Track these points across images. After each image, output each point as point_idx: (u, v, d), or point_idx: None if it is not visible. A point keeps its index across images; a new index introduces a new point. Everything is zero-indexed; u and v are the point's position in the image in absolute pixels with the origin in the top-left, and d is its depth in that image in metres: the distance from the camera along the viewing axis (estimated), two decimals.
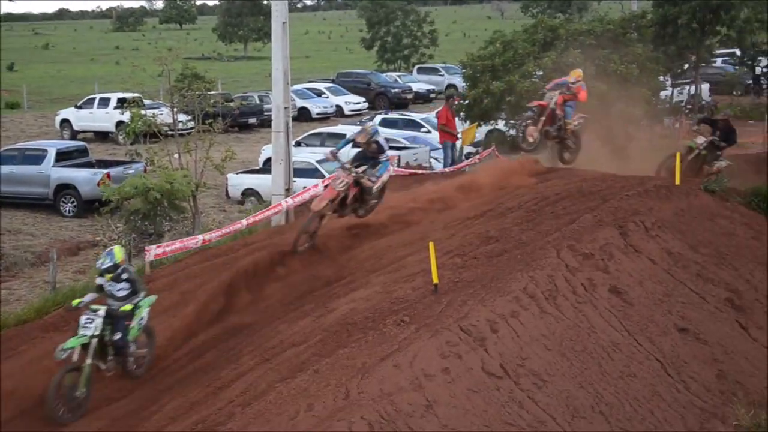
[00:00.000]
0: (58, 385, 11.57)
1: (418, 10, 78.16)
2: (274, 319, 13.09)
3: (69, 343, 11.90)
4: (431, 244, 11.97)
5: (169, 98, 25.84)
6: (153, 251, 16.72)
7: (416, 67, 66.69)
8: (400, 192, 17.88)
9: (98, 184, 26.24)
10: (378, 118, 38.57)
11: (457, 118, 27.88)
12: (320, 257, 15.40)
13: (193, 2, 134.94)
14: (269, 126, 21.70)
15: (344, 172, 15.31)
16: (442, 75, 61.37)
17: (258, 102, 46.03)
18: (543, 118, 18.30)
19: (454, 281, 11.88)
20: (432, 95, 57.33)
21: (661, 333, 10.97)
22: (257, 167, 30.74)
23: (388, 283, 12.71)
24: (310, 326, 11.99)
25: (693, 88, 43.82)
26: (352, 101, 52.07)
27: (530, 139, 18.49)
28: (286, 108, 19.61)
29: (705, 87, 46.35)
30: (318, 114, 49.10)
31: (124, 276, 12.54)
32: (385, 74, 61.87)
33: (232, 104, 33.61)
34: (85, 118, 42.59)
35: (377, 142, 15.58)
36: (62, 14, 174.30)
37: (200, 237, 17.82)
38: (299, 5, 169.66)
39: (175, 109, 24.65)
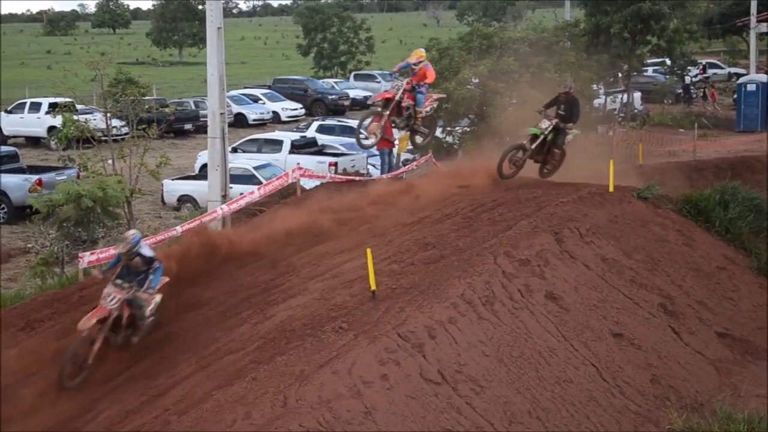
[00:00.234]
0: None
1: (354, 17, 78.22)
2: (211, 326, 12.98)
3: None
4: (368, 251, 11.97)
5: (103, 103, 25.51)
6: (86, 258, 16.48)
7: (353, 73, 66.76)
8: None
9: (30, 191, 25.79)
10: (315, 124, 38.52)
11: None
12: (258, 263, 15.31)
13: (126, 6, 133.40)
14: (205, 132, 21.56)
15: (116, 288, 12.93)
16: (379, 82, 61.47)
17: (193, 108, 45.67)
18: (387, 112, 17.48)
19: (392, 288, 11.89)
20: (369, 102, 57.37)
21: (596, 338, 11.10)
22: (193, 173, 30.48)
23: (326, 289, 12.67)
24: (248, 333, 11.91)
25: (625, 96, 44.57)
26: (288, 107, 51.95)
27: (371, 139, 17.98)
28: (221, 114, 19.49)
29: (637, 95, 47.17)
30: (254, 120, 48.87)
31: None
32: (321, 81, 61.83)
33: (167, 110, 33.29)
34: (16, 123, 41.84)
35: (140, 254, 13.11)
36: None
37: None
38: (234, 11, 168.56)
39: (108, 115, 24.34)
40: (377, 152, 27.10)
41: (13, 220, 26.73)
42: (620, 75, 44.75)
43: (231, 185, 20.36)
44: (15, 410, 11.78)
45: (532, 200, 14.75)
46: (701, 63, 60.07)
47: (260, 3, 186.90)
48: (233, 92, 48.60)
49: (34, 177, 27.00)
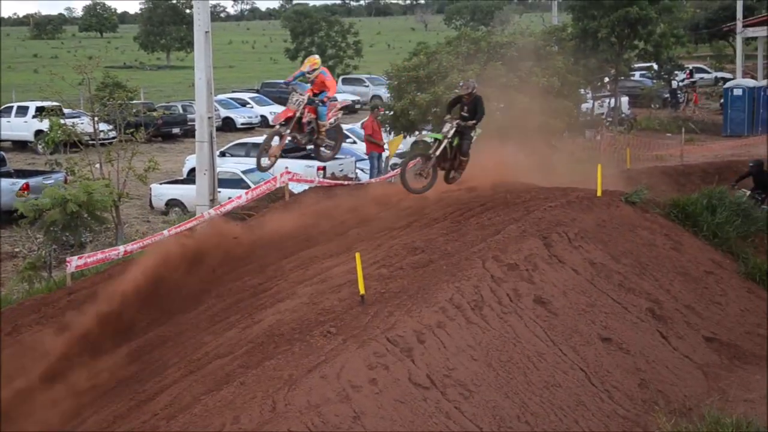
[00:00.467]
0: None
1: (342, 21, 78.32)
2: (199, 330, 12.95)
3: None
4: (357, 255, 11.97)
5: (90, 107, 25.44)
6: (74, 262, 16.44)
7: (341, 77, 66.75)
8: None
9: (16, 195, 25.68)
10: None
11: (383, 130, 27.96)
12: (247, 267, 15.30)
13: (113, 10, 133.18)
14: (193, 136, 21.53)
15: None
16: (367, 86, 61.55)
17: (181, 112, 45.57)
18: (288, 131, 16.39)
19: (381, 292, 11.89)
20: (357, 106, 57.42)
21: (584, 343, 11.11)
22: (181, 178, 30.41)
23: (314, 294, 12.67)
24: (236, 338, 11.89)
25: (613, 101, 44.70)
26: (277, 111, 51.81)
27: (268, 161, 16.52)
28: (209, 118, 19.49)
29: (624, 100, 47.32)
30: (242, 124, 48.81)
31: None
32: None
33: (154, 114, 33.22)
34: (3, 127, 41.64)
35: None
36: None
37: (122, 248, 17.57)
38: (222, 15, 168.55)
39: (96, 119, 24.27)
40: (366, 156, 27.17)
41: (1, 224, 26.61)
42: (607, 79, 44.88)
43: (219, 189, 20.36)
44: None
45: (520, 204, 14.77)
46: (688, 68, 60.31)
47: (248, 7, 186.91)
48: (221, 96, 48.55)
49: (21, 181, 26.88)
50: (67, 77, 24.07)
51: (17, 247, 21.83)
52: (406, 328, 10.39)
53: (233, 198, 19.97)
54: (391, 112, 29.21)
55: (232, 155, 31.53)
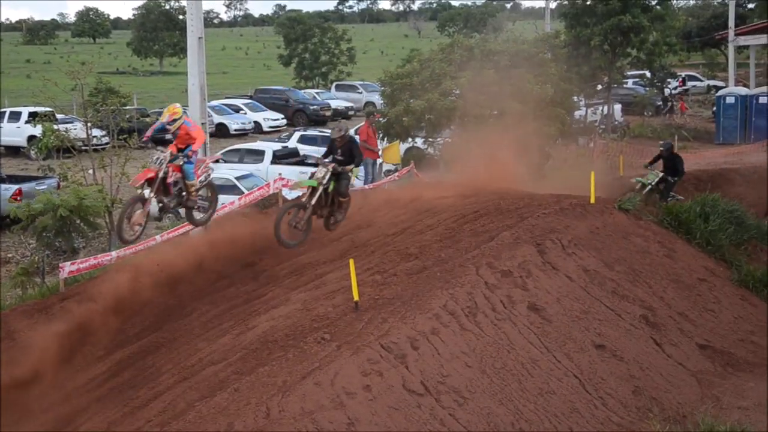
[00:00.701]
0: None
1: (336, 28, 78.37)
2: (193, 336, 12.93)
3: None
4: (351, 261, 11.96)
5: (83, 113, 25.40)
6: (67, 268, 16.40)
7: (334, 84, 66.81)
8: None
9: (9, 200, 25.60)
10: (297, 135, 38.49)
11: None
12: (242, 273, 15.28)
13: (106, 16, 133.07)
14: None
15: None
16: (361, 92, 61.57)
17: None
18: (152, 194, 14.32)
19: (375, 298, 11.88)
20: (350, 112, 57.46)
21: (578, 350, 11.11)
22: None
23: (308, 300, 12.66)
24: (230, 344, 11.87)
25: (606, 108, 44.82)
26: (270, 118, 51.87)
27: (130, 232, 14.34)
28: (203, 124, 19.43)
29: (617, 107, 47.43)
30: (236, 130, 48.76)
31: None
32: (303, 91, 61.82)
33: (148, 119, 33.18)
34: None
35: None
36: None
37: (114, 254, 17.53)
38: (216, 21, 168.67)
39: (88, 124, 24.23)
40: None
41: None
42: (600, 87, 45.00)
43: None
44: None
45: (513, 211, 14.78)
46: (681, 75, 60.51)
47: (241, 13, 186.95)
48: (214, 102, 48.51)
49: (14, 187, 26.80)
50: (60, 83, 24.03)
51: (10, 252, 21.76)
52: (400, 334, 10.38)
53: (226, 204, 19.94)
54: (385, 119, 29.25)
55: (225, 161, 31.50)
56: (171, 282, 15.50)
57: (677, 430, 10.06)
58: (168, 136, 14.93)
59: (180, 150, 14.65)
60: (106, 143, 24.19)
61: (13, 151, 41.34)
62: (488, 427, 9.63)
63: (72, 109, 41.05)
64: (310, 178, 15.35)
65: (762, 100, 43.61)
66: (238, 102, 53.31)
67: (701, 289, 13.38)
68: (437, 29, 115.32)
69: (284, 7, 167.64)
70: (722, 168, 29.95)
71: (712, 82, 65.89)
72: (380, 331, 10.48)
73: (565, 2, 45.36)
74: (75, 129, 25.35)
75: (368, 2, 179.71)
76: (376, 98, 47.75)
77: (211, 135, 24.54)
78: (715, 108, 47.49)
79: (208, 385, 10.62)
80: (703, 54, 77.14)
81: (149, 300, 15.21)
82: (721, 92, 47.63)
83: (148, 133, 14.99)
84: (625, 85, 53.28)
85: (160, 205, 14.57)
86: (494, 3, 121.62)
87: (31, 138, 36.66)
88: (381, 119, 29.27)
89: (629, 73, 53.14)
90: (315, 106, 55.73)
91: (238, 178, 26.63)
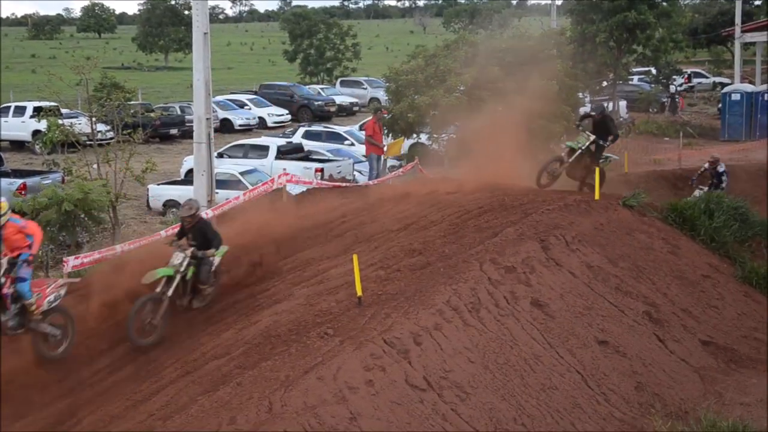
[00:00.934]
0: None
1: (341, 24, 78.30)
2: (196, 331, 12.94)
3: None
4: (355, 257, 11.97)
5: (88, 108, 25.42)
6: (71, 262, 16.40)
7: (339, 80, 66.72)
8: None
9: (14, 194, 25.63)
10: (301, 130, 38.49)
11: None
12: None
13: (112, 11, 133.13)
14: (191, 137, 21.48)
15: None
16: (365, 88, 61.50)
17: (179, 113, 45.50)
18: None
19: (378, 294, 11.89)
20: (355, 108, 57.42)
21: (581, 346, 11.12)
22: (179, 178, 30.39)
23: (311, 295, 12.67)
24: (233, 338, 11.89)
25: (611, 105, 44.75)
26: (275, 113, 51.83)
27: None
28: (207, 119, 19.44)
29: (622, 104, 47.37)
30: (240, 125, 48.75)
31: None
32: (308, 87, 61.78)
33: (152, 114, 33.17)
34: (1, 127, 41.57)
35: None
36: None
37: (118, 248, 17.53)
38: (221, 16, 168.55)
39: (93, 119, 24.24)
40: (365, 158, 27.19)
41: None
42: (606, 83, 44.93)
43: (217, 190, 20.31)
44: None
45: (518, 207, 14.79)
46: (686, 72, 60.38)
47: (247, 8, 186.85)
48: (219, 97, 48.50)
49: (19, 181, 26.82)
50: (65, 78, 24.03)
51: None
52: (403, 329, 10.39)
53: (231, 199, 19.95)
54: (389, 115, 29.23)
55: (230, 156, 31.52)
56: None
57: (680, 426, 10.06)
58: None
59: (14, 258, 12.01)
60: (111, 138, 24.17)
61: (18, 145, 41.39)
62: (490, 423, 9.65)
63: (77, 104, 41.10)
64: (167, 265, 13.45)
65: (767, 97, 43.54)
66: (243, 97, 53.29)
67: (705, 286, 13.38)
68: (443, 25, 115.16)
69: (289, 2, 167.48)
70: (727, 165, 29.87)
71: (717, 79, 65.74)
72: (383, 327, 10.50)
73: None
74: (80, 124, 25.36)
75: None
76: (381, 94, 47.73)
77: (216, 130, 24.53)
78: (720, 105, 47.41)
79: (211, 379, 10.63)
80: (709, 51, 77.00)
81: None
82: (726, 89, 47.54)
83: None
84: (630, 82, 53.22)
85: None
86: None
87: (36, 132, 36.65)
88: (387, 115, 29.26)
89: (635, 69, 53.07)
90: (320, 102, 55.70)
91: (242, 174, 26.62)
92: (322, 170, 28.61)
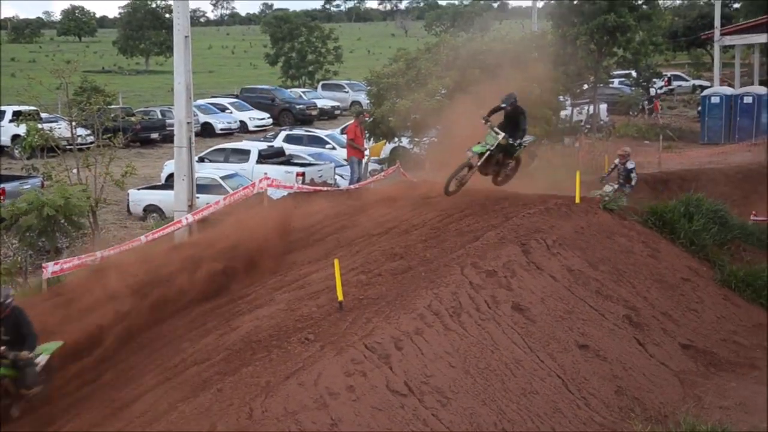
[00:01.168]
0: None
1: (323, 27, 78.31)
2: (176, 336, 12.89)
3: None
4: (336, 261, 11.95)
5: (68, 112, 25.31)
6: (50, 268, 16.32)
7: (321, 83, 66.74)
8: None
9: None
10: (283, 134, 38.45)
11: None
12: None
13: (92, 14, 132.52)
14: (172, 141, 21.44)
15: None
16: (347, 92, 61.54)
17: (160, 117, 45.40)
18: None
19: (359, 298, 11.87)
20: (337, 112, 57.41)
21: (562, 350, 11.13)
22: (159, 183, 30.31)
23: (292, 300, 12.64)
24: (213, 344, 11.84)
25: (591, 108, 44.91)
26: (256, 117, 51.79)
27: None
28: (188, 123, 19.40)
29: (603, 107, 47.52)
30: (222, 129, 48.69)
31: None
32: (289, 90, 61.75)
33: (133, 119, 33.07)
34: None
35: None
36: None
37: (99, 254, 17.45)
38: (202, 19, 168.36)
39: (73, 123, 24.13)
40: (347, 162, 27.17)
41: None
42: (586, 86, 45.07)
43: (198, 195, 20.26)
44: None
45: (499, 211, 14.80)
46: (666, 75, 60.66)
47: (228, 12, 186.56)
48: (200, 101, 48.41)
49: None
50: (45, 81, 23.92)
51: None
52: (384, 334, 10.37)
53: (211, 203, 19.90)
54: (371, 119, 29.23)
55: (211, 161, 31.46)
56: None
57: (659, 430, 10.08)
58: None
59: None
60: (91, 142, 24.08)
61: None
62: (471, 427, 9.64)
63: (57, 108, 40.89)
64: None
65: (747, 100, 43.79)
66: (224, 101, 53.21)
67: (684, 289, 13.42)
68: (424, 28, 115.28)
69: (271, 6, 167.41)
70: (707, 167, 30.08)
71: (697, 82, 66.15)
72: (364, 332, 10.47)
73: (552, 1, 45.47)
74: (60, 128, 25.25)
75: (355, 1, 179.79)
76: (363, 98, 47.73)
77: (197, 134, 24.44)
78: (700, 108, 47.65)
79: (191, 385, 10.58)
80: (689, 54, 77.47)
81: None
82: (706, 92, 47.80)
83: None
84: (611, 85, 53.43)
85: None
86: (481, 2, 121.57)
87: (16, 137, 36.49)
88: (369, 119, 29.25)
89: (615, 72, 53.28)
90: (301, 106, 55.69)
91: (223, 178, 26.59)
92: (303, 174, 28.62)
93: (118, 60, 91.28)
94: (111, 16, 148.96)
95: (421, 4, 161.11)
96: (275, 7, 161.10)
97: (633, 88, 55.77)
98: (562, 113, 39.15)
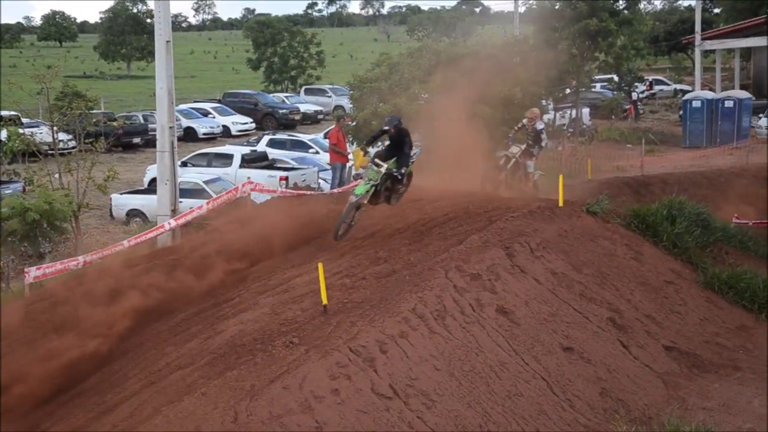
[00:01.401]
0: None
1: (305, 32, 78.35)
2: (160, 341, 12.84)
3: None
4: (320, 265, 11.94)
5: (49, 117, 25.21)
6: (32, 273, 16.25)
7: (303, 88, 66.74)
8: None
9: None
10: (266, 139, 38.42)
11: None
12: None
13: (73, 19, 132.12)
14: (154, 146, 21.39)
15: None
16: (330, 96, 61.57)
17: (142, 121, 45.32)
18: None
19: (344, 302, 11.86)
20: (320, 116, 57.42)
21: (546, 352, 11.15)
22: (142, 188, 30.24)
23: (276, 304, 12.61)
24: (198, 348, 11.80)
25: (574, 112, 45.10)
26: (239, 122, 51.75)
27: None
28: (170, 128, 19.37)
29: (585, 111, 47.75)
30: (204, 134, 48.64)
31: None
32: (272, 95, 61.72)
33: (115, 123, 32.97)
34: None
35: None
36: None
37: (81, 258, 17.39)
38: (184, 24, 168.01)
39: (55, 128, 24.03)
40: (329, 166, 27.17)
41: None
42: (569, 91, 45.26)
43: (180, 199, 20.22)
44: None
45: (482, 215, 14.82)
46: (648, 79, 61.00)
47: (210, 17, 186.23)
48: (183, 106, 48.37)
49: None
50: (26, 86, 23.83)
51: None
52: (369, 338, 10.37)
53: (194, 208, 19.86)
54: (354, 123, 29.25)
55: (193, 165, 31.41)
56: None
57: (643, 431, 10.12)
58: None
59: None
60: (73, 147, 23.99)
61: None
62: (456, 430, 9.64)
63: (38, 113, 40.70)
64: None
65: (728, 104, 44.09)
66: (207, 106, 53.17)
67: (668, 292, 13.48)
68: (406, 33, 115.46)
69: (253, 10, 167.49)
70: (689, 171, 30.22)
71: (678, 86, 66.51)
72: (349, 335, 10.47)
73: (534, 6, 45.64)
74: (41, 133, 25.17)
75: (337, 6, 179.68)
76: (346, 102, 47.78)
77: (179, 139, 24.39)
78: (681, 112, 47.91)
79: (176, 389, 10.54)
80: (670, 58, 77.97)
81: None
82: (687, 96, 48.08)
83: None
84: (593, 89, 53.67)
85: None
86: (463, 7, 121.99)
87: None
88: (351, 123, 29.25)
89: (597, 77, 53.53)
90: (284, 110, 55.70)
91: (206, 182, 26.54)
92: (286, 179, 28.60)
93: (100, 65, 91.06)
94: (92, 21, 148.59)
95: (404, 9, 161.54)
96: (257, 12, 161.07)
97: (615, 93, 56.03)
98: (545, 117, 39.30)
